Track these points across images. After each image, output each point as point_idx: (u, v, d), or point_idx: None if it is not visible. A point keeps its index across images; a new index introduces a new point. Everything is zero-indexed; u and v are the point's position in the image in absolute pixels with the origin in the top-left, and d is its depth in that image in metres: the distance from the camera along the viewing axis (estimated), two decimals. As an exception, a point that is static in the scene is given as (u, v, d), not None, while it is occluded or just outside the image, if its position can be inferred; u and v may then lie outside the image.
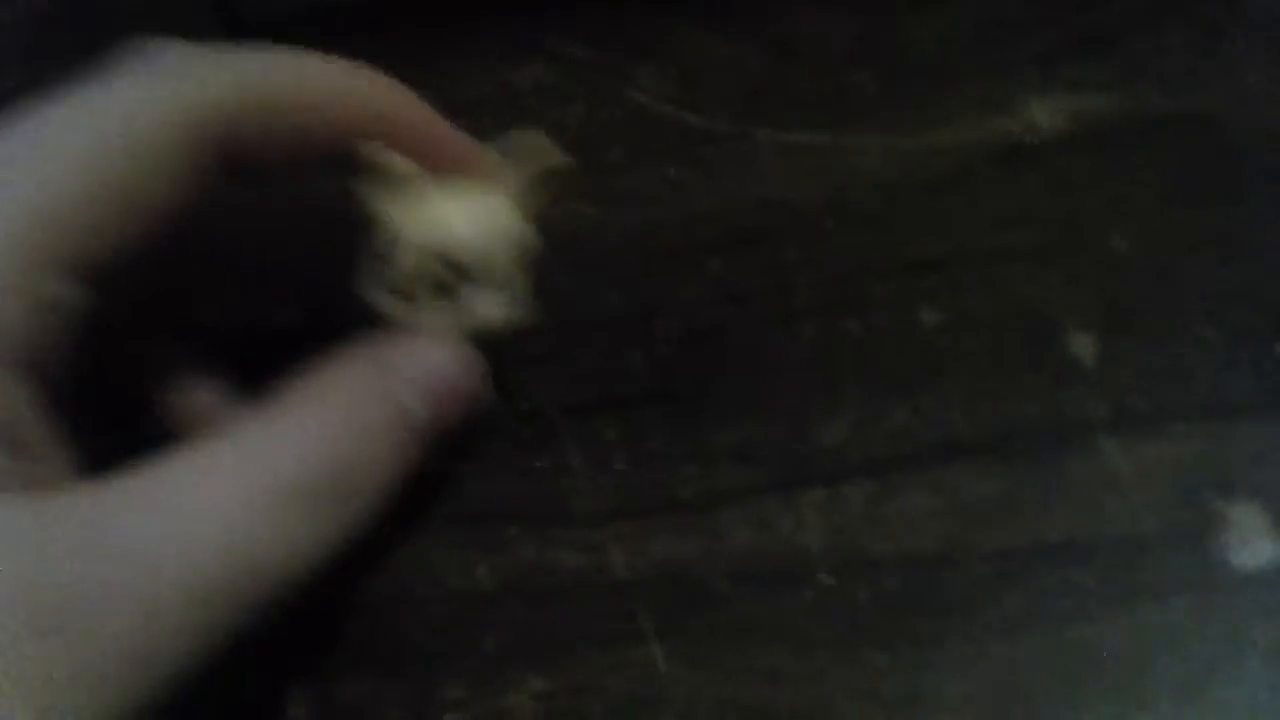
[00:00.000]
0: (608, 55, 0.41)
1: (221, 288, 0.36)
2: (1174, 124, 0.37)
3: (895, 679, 0.32)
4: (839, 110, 0.39)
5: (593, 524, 0.35)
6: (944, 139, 0.38)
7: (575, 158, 0.37)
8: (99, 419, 0.30)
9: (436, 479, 0.35)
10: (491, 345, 0.32)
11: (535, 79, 0.41)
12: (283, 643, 0.34)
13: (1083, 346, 0.35)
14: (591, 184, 0.39)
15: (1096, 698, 0.31)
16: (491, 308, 0.32)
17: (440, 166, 0.31)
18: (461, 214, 0.31)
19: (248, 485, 0.27)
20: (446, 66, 0.42)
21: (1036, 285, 0.36)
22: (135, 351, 0.33)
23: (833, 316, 0.36)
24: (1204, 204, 0.36)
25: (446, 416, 0.31)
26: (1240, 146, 0.36)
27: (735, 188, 0.39)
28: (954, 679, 0.32)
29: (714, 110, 0.40)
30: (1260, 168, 0.36)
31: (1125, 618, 0.32)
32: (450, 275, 0.31)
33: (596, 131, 0.40)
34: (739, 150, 0.39)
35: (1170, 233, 0.36)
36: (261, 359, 0.32)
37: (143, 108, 0.28)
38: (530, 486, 0.35)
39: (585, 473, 0.35)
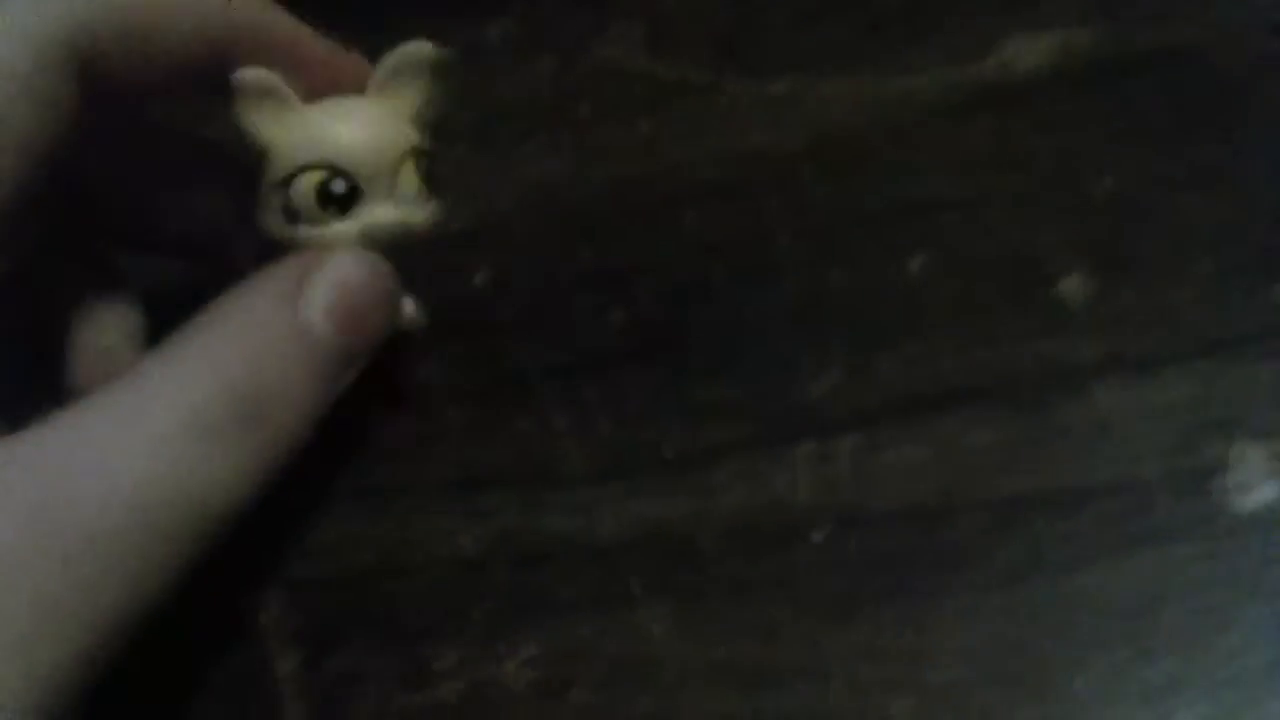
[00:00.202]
0: (575, 9, 0.40)
1: (120, 231, 0.35)
2: (1158, 58, 0.36)
3: (893, 634, 0.31)
4: (812, 57, 0.38)
5: (579, 486, 0.34)
6: (921, 82, 0.37)
7: (549, 112, 0.37)
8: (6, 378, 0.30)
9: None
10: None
11: (503, 34, 0.40)
12: (267, 615, 0.33)
13: (1072, 289, 0.34)
14: (563, 141, 0.38)
15: (1100, 647, 0.31)
16: (390, 213, 0.31)
17: (318, 81, 0.31)
18: (344, 125, 0.31)
19: (157, 426, 0.27)
20: (412, 23, 0.40)
21: (1022, 227, 0.35)
22: (37, 303, 0.32)
23: (816, 267, 0.35)
24: (1192, 139, 0.35)
25: (359, 328, 0.30)
26: (1227, 79, 0.35)
27: (710, 140, 0.38)
28: (954, 633, 0.31)
29: (685, 62, 0.39)
30: (1248, 101, 0.35)
31: (1127, 565, 0.31)
32: (342, 188, 0.30)
33: (566, 87, 0.39)
34: (712, 102, 0.38)
35: (1158, 170, 0.35)
36: (172, 299, 0.31)
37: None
38: (513, 451, 0.34)
39: (569, 435, 0.34)
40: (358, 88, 0.31)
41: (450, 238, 0.35)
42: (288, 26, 0.31)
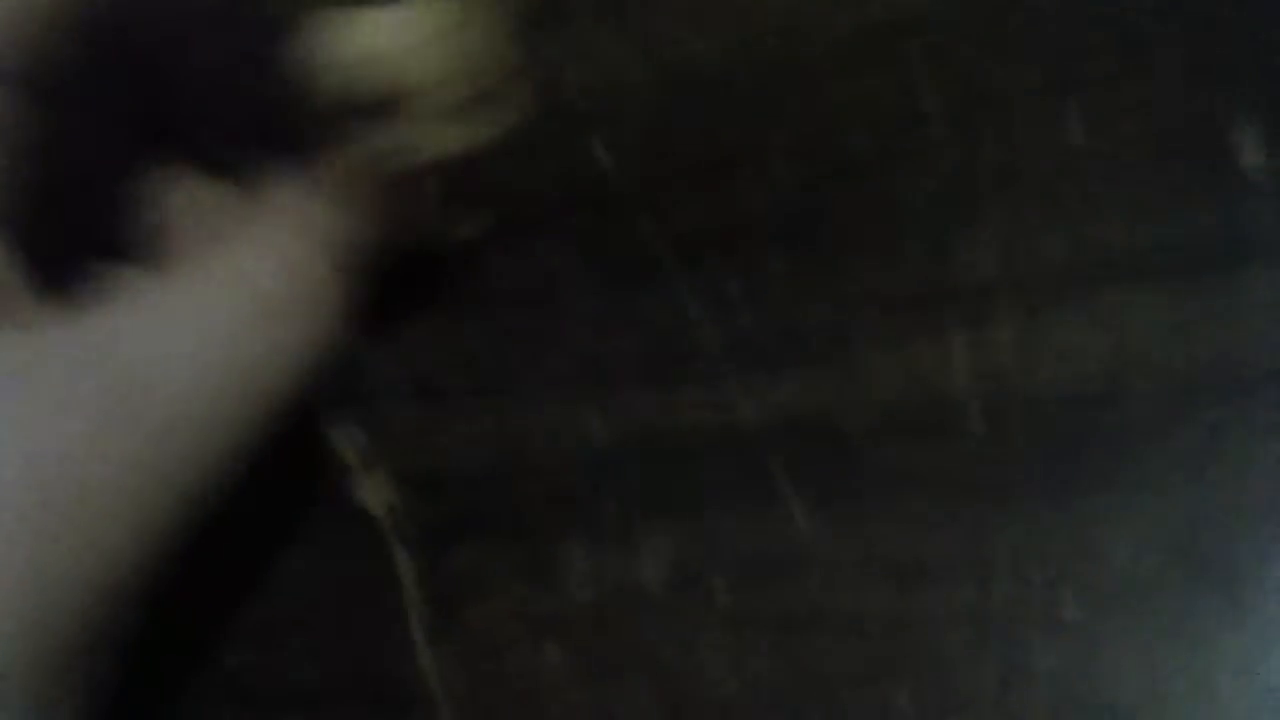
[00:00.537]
0: None
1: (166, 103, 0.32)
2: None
3: (1062, 529, 0.29)
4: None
5: (717, 375, 0.32)
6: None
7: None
8: (65, 256, 0.29)
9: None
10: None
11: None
12: (386, 513, 0.32)
13: (1253, 154, 0.31)
14: (693, 10, 0.36)
15: (1289, 539, 0.28)
16: (425, 134, 0.29)
17: None
18: (397, 24, 0.28)
19: (219, 301, 0.27)
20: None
21: (1196, 89, 0.32)
22: (97, 176, 0.31)
23: (969, 135, 0.33)
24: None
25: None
26: None
27: (850, 4, 0.35)
28: (1128, 525, 0.29)
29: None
30: None
31: (1319, 451, 0.29)
32: (368, 93, 0.28)
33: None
34: (852, -37, 0.35)
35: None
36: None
37: None
38: (645, 337, 0.33)
39: (705, 320, 0.32)
40: None
41: (571, 111, 0.33)
42: None
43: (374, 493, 0.33)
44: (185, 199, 0.31)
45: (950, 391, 0.30)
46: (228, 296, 0.27)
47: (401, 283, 0.29)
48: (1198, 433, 0.29)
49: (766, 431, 0.31)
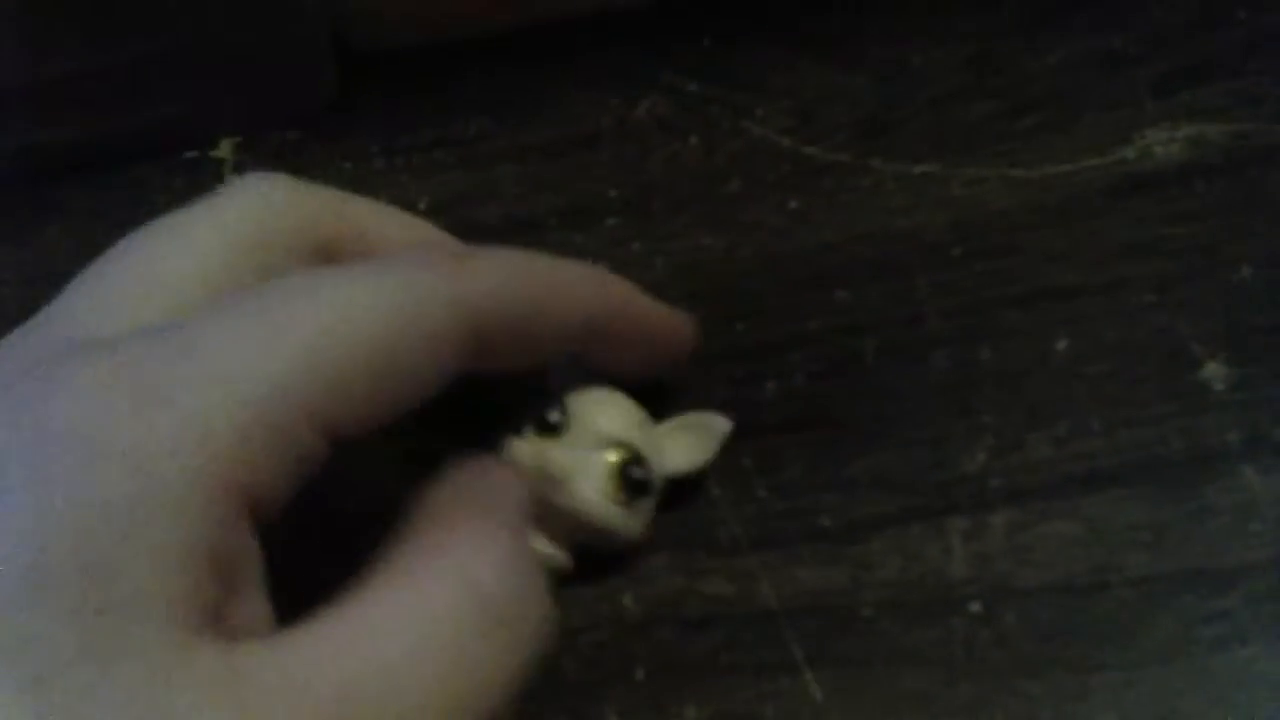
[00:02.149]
0: (723, 89, 0.42)
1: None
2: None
3: (1049, 707, 0.32)
4: (957, 140, 0.40)
5: (738, 553, 0.35)
6: (1063, 168, 0.39)
7: (699, 188, 0.38)
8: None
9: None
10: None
11: (652, 112, 0.41)
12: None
13: (1213, 373, 0.35)
14: (713, 216, 0.40)
15: (1252, 724, 0.32)
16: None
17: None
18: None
19: (444, 605, 0.27)
20: (562, 100, 0.42)
21: (1164, 313, 0.36)
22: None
23: (965, 345, 0.37)
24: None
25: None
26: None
27: (858, 218, 0.39)
28: (1108, 706, 0.32)
29: (831, 142, 0.40)
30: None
31: (1276, 643, 0.32)
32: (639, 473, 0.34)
33: (715, 164, 0.41)
34: (859, 181, 0.40)
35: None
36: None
37: (431, 300, 0.29)
38: (672, 516, 0.35)
39: (727, 502, 0.35)
40: (678, 351, 0.35)
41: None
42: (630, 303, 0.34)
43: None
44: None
45: (949, 577, 0.34)
46: (452, 598, 0.27)
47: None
48: (1169, 623, 0.33)
49: (784, 607, 0.34)
